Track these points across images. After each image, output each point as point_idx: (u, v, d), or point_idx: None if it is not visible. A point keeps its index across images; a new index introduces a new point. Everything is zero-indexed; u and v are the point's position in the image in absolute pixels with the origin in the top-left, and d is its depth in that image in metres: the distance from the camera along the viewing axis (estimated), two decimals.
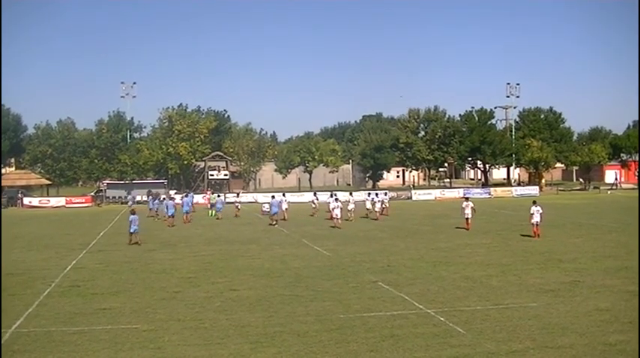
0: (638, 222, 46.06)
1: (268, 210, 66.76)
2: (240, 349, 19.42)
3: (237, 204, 75.92)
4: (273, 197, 68.03)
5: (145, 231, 54.91)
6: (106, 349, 19.76)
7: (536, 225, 47.86)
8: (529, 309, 23.74)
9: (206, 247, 45.29)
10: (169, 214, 63.78)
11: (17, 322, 23.27)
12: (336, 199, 62.55)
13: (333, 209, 60.67)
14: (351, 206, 66.00)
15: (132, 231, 48.07)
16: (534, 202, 50.10)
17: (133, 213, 49.85)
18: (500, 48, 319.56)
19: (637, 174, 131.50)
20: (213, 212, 72.55)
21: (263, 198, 72.72)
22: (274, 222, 62.40)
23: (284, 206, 68.74)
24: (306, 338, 20.46)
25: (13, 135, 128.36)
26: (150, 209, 74.35)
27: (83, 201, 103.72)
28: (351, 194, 73.72)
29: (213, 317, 23.62)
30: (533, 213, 48.21)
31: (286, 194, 79.17)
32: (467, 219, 54.30)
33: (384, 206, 70.22)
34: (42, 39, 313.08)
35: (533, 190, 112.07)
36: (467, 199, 58.36)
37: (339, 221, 59.12)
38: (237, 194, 79.57)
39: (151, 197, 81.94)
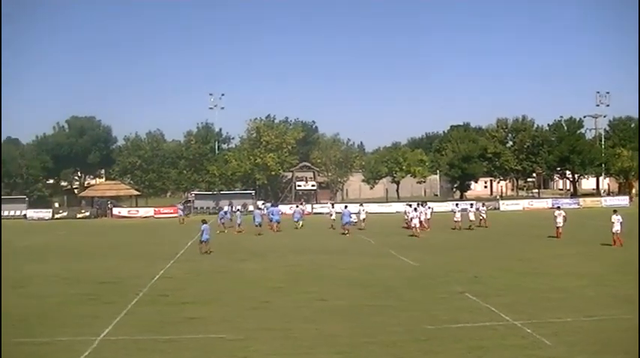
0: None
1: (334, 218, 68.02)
2: None
3: (331, 215, 75.35)
4: (345, 207, 69.09)
5: (234, 242, 55.55)
6: None
7: (617, 233, 47.67)
8: (623, 321, 23.24)
9: (295, 257, 45.42)
10: (256, 223, 65.98)
11: (105, 330, 23.57)
12: (415, 209, 64.67)
13: (411, 218, 62.17)
14: (426, 215, 67.65)
15: (203, 239, 48.81)
16: (615, 211, 49.83)
17: (204, 222, 50.48)
18: (591, 56, 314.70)
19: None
20: (301, 223, 72.88)
21: (349, 208, 72.10)
22: (346, 232, 63.05)
23: (362, 216, 69.78)
24: (393, 349, 20.39)
25: (103, 147, 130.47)
26: (220, 222, 70.75)
27: (171, 211, 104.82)
28: (424, 204, 73.93)
29: (301, 327, 23.66)
30: (614, 222, 48.04)
31: (366, 204, 79.12)
32: (558, 227, 54.47)
33: (480, 217, 69.40)
34: (132, 53, 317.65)
35: (624, 200, 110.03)
36: (558, 208, 58.87)
37: (417, 230, 60.07)
38: (332, 204, 79.06)
39: (221, 209, 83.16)
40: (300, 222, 73.25)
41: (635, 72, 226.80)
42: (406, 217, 68.69)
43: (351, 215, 66.46)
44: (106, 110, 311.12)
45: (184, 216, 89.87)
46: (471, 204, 69.78)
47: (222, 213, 75.18)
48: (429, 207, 73.11)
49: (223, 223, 69.73)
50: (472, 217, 66.78)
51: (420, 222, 62.99)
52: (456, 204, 75.55)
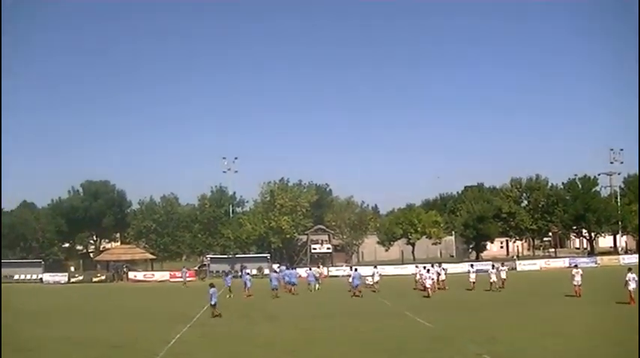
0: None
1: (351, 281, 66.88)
2: None
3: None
4: (355, 270, 69.47)
5: (248, 306, 55.63)
6: None
7: (633, 291, 47.94)
8: None
9: (309, 320, 45.20)
10: (272, 286, 66.31)
11: None
12: (428, 270, 65.40)
13: (425, 279, 62.96)
14: (439, 276, 68.71)
15: (212, 303, 48.76)
16: (629, 269, 50.62)
17: (212, 286, 50.34)
18: (604, 113, 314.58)
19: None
20: (317, 286, 72.50)
21: (359, 270, 72.15)
22: (358, 293, 63.55)
23: (376, 278, 70.30)
24: None
25: (118, 211, 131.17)
26: (227, 285, 70.42)
27: (187, 275, 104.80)
28: (439, 265, 75.01)
29: None
30: (629, 280, 48.53)
31: (380, 266, 79.46)
32: (576, 285, 54.82)
33: (502, 278, 67.88)
34: (145, 118, 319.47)
35: None
36: (576, 266, 59.48)
37: (430, 291, 60.75)
38: (353, 268, 78.55)
39: (224, 273, 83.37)
40: (317, 285, 73.01)
41: None
42: (418, 278, 69.25)
43: (362, 277, 67.22)
44: (120, 174, 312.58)
45: (193, 279, 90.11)
46: (492, 265, 69.23)
47: (227, 278, 74.46)
48: (443, 268, 74.03)
49: (229, 287, 68.83)
50: (494, 278, 65.21)
51: (434, 282, 63.82)
52: (471, 265, 75.03)
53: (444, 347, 31.73)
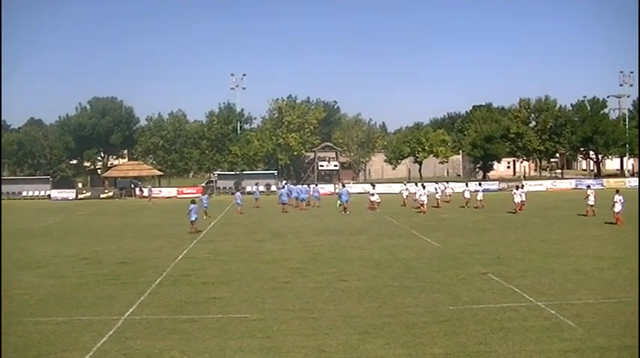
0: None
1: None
2: (349, 339, 19.39)
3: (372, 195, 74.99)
4: (343, 186, 74.67)
5: (256, 222, 55.87)
6: (216, 337, 19.93)
7: (619, 213, 49.47)
8: None
9: (315, 238, 45.35)
10: (281, 201, 70.14)
11: (130, 309, 23.66)
12: (424, 187, 68.47)
13: (420, 196, 65.04)
14: (438, 194, 71.24)
15: (192, 219, 49.84)
16: (617, 191, 51.47)
17: (193, 202, 51.39)
18: (613, 34, 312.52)
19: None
20: (339, 202, 72.52)
21: (372, 188, 72.74)
22: (344, 209, 66.26)
23: (374, 197, 70.57)
24: (414, 330, 20.33)
25: (125, 127, 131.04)
26: (237, 203, 71.55)
27: (194, 191, 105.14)
28: (447, 183, 78.29)
29: (322, 307, 23.64)
30: (615, 202, 49.63)
31: (387, 184, 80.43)
32: (590, 206, 55.76)
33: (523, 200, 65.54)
34: (152, 32, 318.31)
35: None
36: (589, 187, 60.42)
37: (424, 207, 63.47)
38: (373, 185, 78.56)
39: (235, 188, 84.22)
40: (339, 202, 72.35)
41: None
42: (406, 196, 73.63)
43: (349, 194, 70.75)
44: (128, 91, 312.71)
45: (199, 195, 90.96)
46: (517, 187, 67.13)
47: (237, 195, 75.35)
48: (447, 185, 78.41)
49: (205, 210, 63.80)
50: (523, 198, 63.83)
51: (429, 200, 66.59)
52: (479, 184, 75.33)
53: (449, 267, 31.88)
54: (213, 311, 23.41)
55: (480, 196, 68.28)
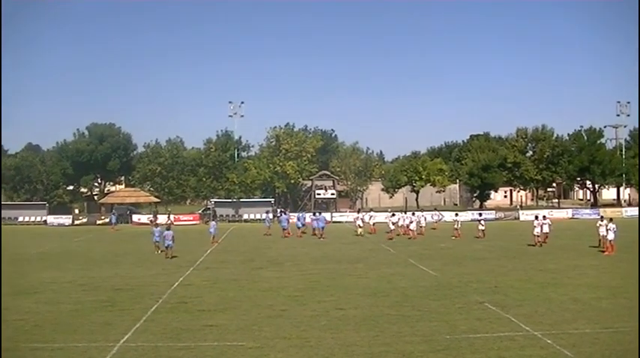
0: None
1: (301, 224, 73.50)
2: None
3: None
4: (320, 213, 78.06)
5: (253, 249, 55.88)
6: None
7: (611, 241, 49.84)
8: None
9: (313, 266, 45.36)
10: (283, 227, 72.95)
11: (125, 336, 23.60)
12: (413, 214, 72.05)
13: (408, 224, 68.72)
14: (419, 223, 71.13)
15: (166, 245, 51.80)
16: (610, 219, 52.31)
17: (168, 228, 54.01)
18: (611, 65, 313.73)
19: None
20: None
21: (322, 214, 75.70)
22: (320, 237, 69.05)
23: (360, 221, 74.27)
24: None
25: (123, 154, 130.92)
26: (266, 226, 77.53)
27: (191, 218, 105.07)
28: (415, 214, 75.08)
29: (319, 335, 23.59)
30: (609, 230, 49.92)
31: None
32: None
33: (546, 231, 59.87)
34: (151, 58, 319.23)
35: None
36: (536, 218, 59.24)
37: (415, 233, 66.77)
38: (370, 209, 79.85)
39: (268, 212, 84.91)
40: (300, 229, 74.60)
41: None
42: (359, 224, 74.11)
43: (326, 221, 74.84)
44: (126, 117, 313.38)
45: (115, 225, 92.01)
46: (536, 217, 61.69)
47: (266, 218, 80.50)
48: (423, 216, 76.57)
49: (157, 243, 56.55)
50: (546, 230, 58.38)
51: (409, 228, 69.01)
52: (479, 214, 75.36)
53: (446, 296, 31.85)
54: (209, 338, 23.36)
55: (481, 226, 67.59)
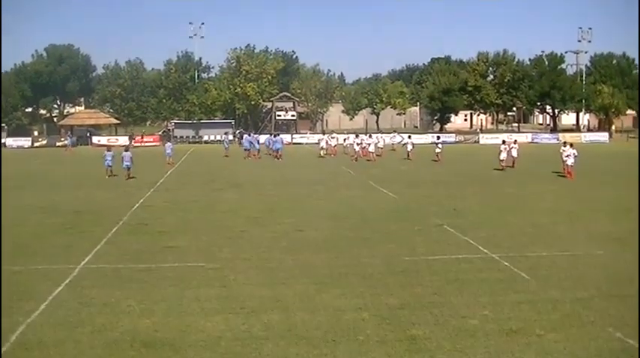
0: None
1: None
2: (305, 289, 19.48)
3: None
4: (278, 135, 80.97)
5: (213, 171, 55.93)
6: (173, 286, 19.95)
7: (571, 166, 50.01)
8: (595, 257, 23.41)
9: (272, 188, 45.48)
10: (245, 147, 75.01)
11: (86, 258, 23.58)
12: (371, 136, 73.82)
13: (366, 146, 70.14)
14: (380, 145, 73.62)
15: (125, 166, 52.68)
16: (571, 145, 52.03)
17: (127, 149, 55.03)
18: None
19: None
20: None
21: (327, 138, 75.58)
22: (279, 156, 71.24)
23: (324, 143, 75.81)
24: (370, 281, 20.45)
25: (82, 75, 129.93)
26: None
27: (151, 140, 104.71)
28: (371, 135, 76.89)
29: (278, 257, 23.71)
30: (569, 155, 50.09)
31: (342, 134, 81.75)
32: (568, 164, 51.17)
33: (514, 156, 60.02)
34: None
35: (603, 137, 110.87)
36: (565, 144, 54.78)
37: (374, 155, 68.45)
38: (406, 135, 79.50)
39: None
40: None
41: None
42: (325, 146, 74.83)
43: (283, 142, 76.30)
44: (85, 38, 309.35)
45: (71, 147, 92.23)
46: (503, 141, 61.60)
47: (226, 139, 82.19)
48: (382, 138, 79.22)
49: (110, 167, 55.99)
50: (514, 154, 58.42)
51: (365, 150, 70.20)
52: (437, 137, 75.08)
53: (405, 218, 32.03)
54: (169, 260, 23.41)
55: (438, 150, 67.72)
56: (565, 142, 56.28)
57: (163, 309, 17.75)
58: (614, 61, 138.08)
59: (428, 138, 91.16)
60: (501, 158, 57.00)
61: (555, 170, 53.41)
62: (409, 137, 75.68)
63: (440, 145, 68.66)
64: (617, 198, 39.46)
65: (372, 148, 69.32)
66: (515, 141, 62.41)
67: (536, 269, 21.76)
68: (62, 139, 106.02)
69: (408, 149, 70.38)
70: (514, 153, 58.59)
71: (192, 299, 18.65)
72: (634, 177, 47.32)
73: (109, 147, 54.54)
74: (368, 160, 66.81)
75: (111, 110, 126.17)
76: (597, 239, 26.72)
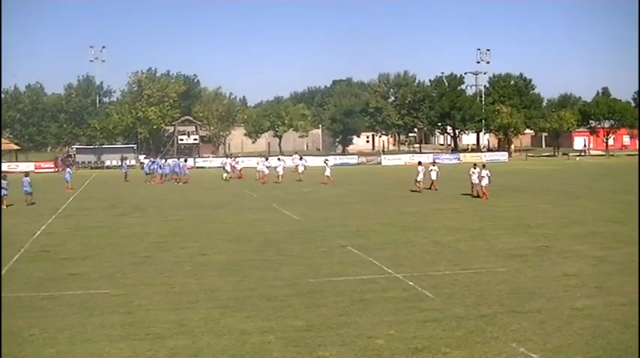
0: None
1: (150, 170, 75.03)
2: (210, 313, 19.43)
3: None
4: (166, 160, 79.83)
5: (116, 196, 55.32)
6: (77, 314, 19.69)
7: (485, 187, 50.19)
8: (497, 274, 23.81)
9: (175, 212, 45.20)
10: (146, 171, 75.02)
11: None
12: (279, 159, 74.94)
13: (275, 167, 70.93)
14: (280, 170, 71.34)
15: (24, 192, 51.80)
16: (484, 166, 52.12)
17: (26, 175, 54.09)
18: (471, 13, 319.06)
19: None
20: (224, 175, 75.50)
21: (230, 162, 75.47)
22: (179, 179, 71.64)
23: (228, 167, 76.95)
24: (275, 303, 20.49)
25: None
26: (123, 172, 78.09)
27: (52, 166, 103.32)
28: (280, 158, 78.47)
29: (182, 281, 23.61)
30: (483, 177, 50.18)
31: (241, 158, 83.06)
32: (482, 186, 51.31)
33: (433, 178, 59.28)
34: (9, 1, 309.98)
35: (503, 156, 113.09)
36: (475, 166, 55.17)
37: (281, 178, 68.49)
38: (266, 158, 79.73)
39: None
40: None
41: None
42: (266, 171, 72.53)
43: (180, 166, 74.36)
44: None
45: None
46: (419, 163, 61.90)
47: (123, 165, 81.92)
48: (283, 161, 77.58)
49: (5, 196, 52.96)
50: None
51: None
52: (325, 161, 75.31)
53: (309, 240, 32.18)
54: (73, 287, 23.13)
55: (327, 172, 67.59)
56: (475, 164, 56.60)
57: (67, 337, 17.51)
58: (512, 82, 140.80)
59: (330, 161, 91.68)
60: (418, 179, 57.17)
61: (460, 188, 54.14)
62: (300, 159, 77.07)
63: (328, 168, 68.80)
64: (517, 214, 40.25)
65: (279, 170, 69.57)
66: (434, 162, 62.82)
67: (439, 287, 22.04)
68: None
69: (300, 171, 71.50)
70: (433, 175, 58.43)
71: (97, 326, 18.44)
72: (533, 193, 48.31)
73: (26, 173, 53.66)
74: (275, 182, 66.92)
75: (10, 136, 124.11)
76: (499, 255, 27.21)
